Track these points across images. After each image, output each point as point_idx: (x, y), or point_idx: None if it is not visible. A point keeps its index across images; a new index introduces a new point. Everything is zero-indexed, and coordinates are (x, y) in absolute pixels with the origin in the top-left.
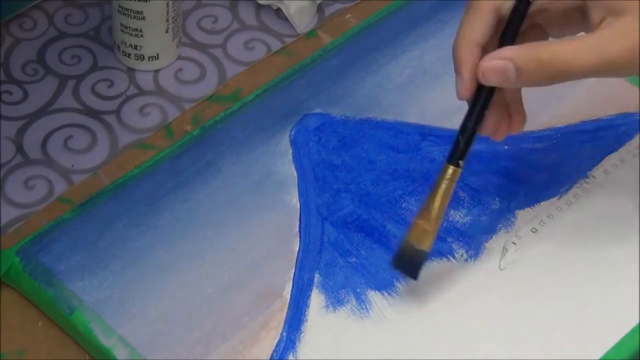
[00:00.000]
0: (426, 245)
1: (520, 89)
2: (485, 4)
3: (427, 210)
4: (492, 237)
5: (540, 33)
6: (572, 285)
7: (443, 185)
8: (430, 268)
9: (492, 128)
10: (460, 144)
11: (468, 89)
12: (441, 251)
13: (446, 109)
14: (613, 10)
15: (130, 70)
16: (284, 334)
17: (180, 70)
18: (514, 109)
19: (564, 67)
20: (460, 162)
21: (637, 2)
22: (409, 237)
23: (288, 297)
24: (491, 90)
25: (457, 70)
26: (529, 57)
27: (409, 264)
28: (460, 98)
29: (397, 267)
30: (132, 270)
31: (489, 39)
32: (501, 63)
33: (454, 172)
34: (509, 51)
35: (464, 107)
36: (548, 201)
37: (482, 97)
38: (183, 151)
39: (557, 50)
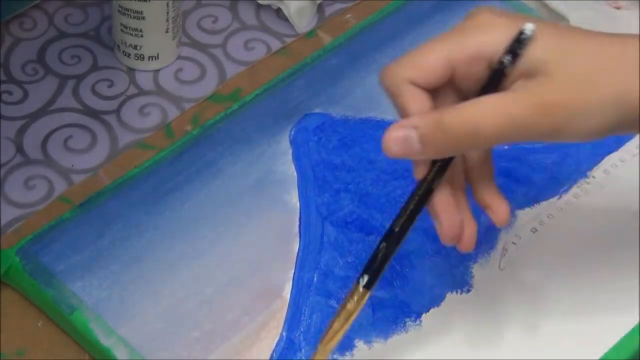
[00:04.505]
0: None
1: (488, 171)
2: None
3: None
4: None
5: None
6: (572, 285)
7: (349, 308)
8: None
9: (450, 233)
10: (379, 257)
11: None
12: (439, 251)
13: None
14: (525, 72)
15: (130, 70)
16: (283, 334)
17: (180, 70)
18: (488, 198)
19: (470, 130)
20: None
21: (549, 62)
22: None
23: (288, 297)
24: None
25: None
26: (432, 122)
27: None
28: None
29: None
30: (132, 270)
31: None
32: (404, 132)
33: (365, 294)
34: (413, 118)
35: None
36: (548, 201)
37: (416, 193)
38: (183, 151)
39: (461, 112)
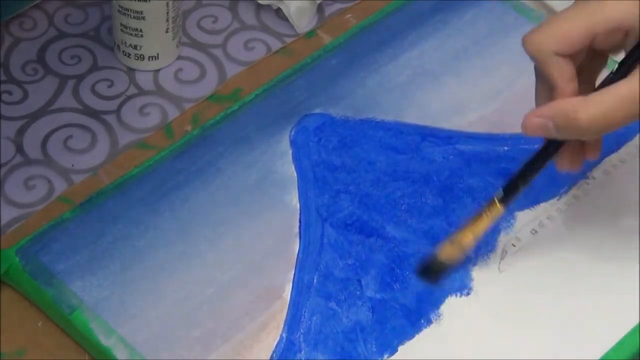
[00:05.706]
0: (452, 260)
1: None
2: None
3: (467, 234)
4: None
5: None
6: (572, 286)
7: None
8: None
9: (567, 163)
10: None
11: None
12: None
13: (446, 109)
14: None
15: (130, 70)
16: (283, 335)
17: (180, 70)
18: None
19: (601, 124)
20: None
21: None
22: (442, 252)
23: (288, 298)
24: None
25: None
26: (566, 118)
27: (432, 273)
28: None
29: (422, 273)
30: (132, 270)
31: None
32: (541, 121)
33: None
34: (550, 110)
35: (464, 107)
36: (547, 202)
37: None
38: (183, 151)
39: (593, 109)
